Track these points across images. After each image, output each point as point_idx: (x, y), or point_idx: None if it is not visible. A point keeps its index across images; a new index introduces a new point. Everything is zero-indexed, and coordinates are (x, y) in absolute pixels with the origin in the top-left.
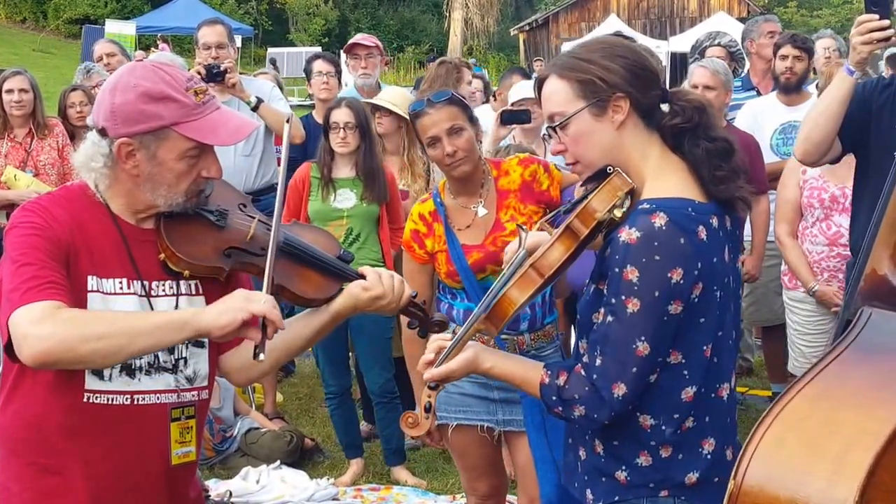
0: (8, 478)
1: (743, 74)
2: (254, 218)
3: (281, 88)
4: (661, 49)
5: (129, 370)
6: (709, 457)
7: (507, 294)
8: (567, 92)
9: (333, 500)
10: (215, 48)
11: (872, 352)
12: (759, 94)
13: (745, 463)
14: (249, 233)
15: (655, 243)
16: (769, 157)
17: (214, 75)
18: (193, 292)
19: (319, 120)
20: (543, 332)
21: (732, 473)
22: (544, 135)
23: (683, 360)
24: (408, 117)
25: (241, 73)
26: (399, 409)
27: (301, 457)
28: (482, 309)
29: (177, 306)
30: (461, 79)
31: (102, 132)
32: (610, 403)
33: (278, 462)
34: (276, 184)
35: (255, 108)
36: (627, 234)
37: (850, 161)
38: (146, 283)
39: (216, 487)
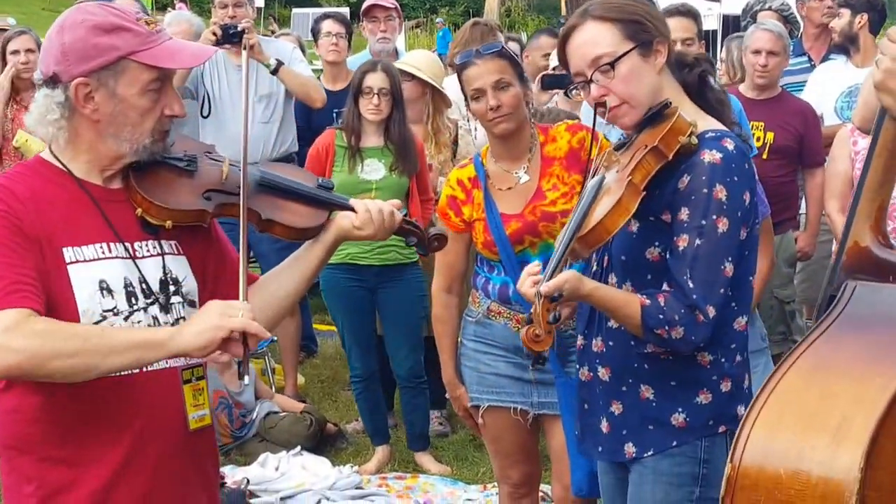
0: (18, 479)
1: (797, 38)
2: (223, 160)
3: (303, 51)
4: (713, 11)
5: None
6: (747, 392)
7: (603, 221)
8: (613, 33)
9: (357, 488)
10: (232, 6)
11: (860, 324)
12: (810, 59)
13: (741, 444)
14: (224, 172)
15: (733, 165)
16: (832, 121)
17: (231, 36)
18: (176, 252)
19: (328, 85)
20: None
21: (729, 457)
22: (574, 87)
23: (731, 293)
24: (433, 82)
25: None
26: (426, 393)
27: (323, 443)
28: (574, 227)
29: (164, 266)
30: None
31: (54, 80)
32: (706, 324)
33: (299, 448)
34: (295, 153)
35: (274, 72)
36: (711, 156)
37: None
38: (128, 244)
39: (233, 474)
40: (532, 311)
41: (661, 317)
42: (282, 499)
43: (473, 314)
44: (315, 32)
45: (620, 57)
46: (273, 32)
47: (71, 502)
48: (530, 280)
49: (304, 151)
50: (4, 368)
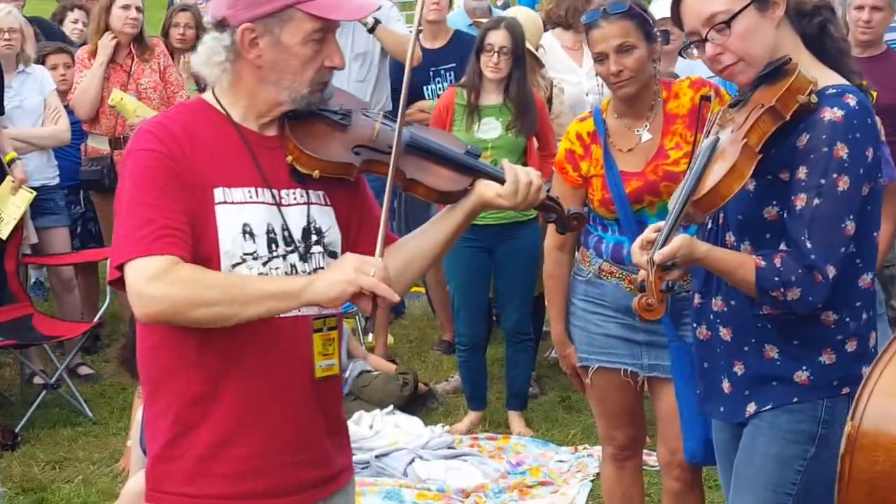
0: (157, 413)
1: None
2: (377, 117)
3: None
4: None
5: None
6: (873, 350)
7: (718, 186)
8: None
9: (449, 448)
10: None
11: None
12: None
13: (863, 403)
14: (376, 130)
15: (855, 121)
16: None
17: None
18: (322, 202)
19: (426, 43)
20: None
21: (850, 415)
22: (690, 45)
23: (854, 249)
24: (528, 45)
25: None
26: (530, 350)
27: (414, 402)
28: (688, 191)
29: (308, 215)
30: None
31: (222, 23)
32: (825, 285)
33: (392, 407)
34: (389, 111)
35: (371, 30)
36: (832, 113)
37: None
38: (275, 191)
39: None
40: (644, 279)
41: (776, 279)
42: (377, 456)
43: (584, 273)
44: None
45: (736, 14)
46: None
47: (200, 439)
48: (641, 248)
49: None
50: (147, 315)
